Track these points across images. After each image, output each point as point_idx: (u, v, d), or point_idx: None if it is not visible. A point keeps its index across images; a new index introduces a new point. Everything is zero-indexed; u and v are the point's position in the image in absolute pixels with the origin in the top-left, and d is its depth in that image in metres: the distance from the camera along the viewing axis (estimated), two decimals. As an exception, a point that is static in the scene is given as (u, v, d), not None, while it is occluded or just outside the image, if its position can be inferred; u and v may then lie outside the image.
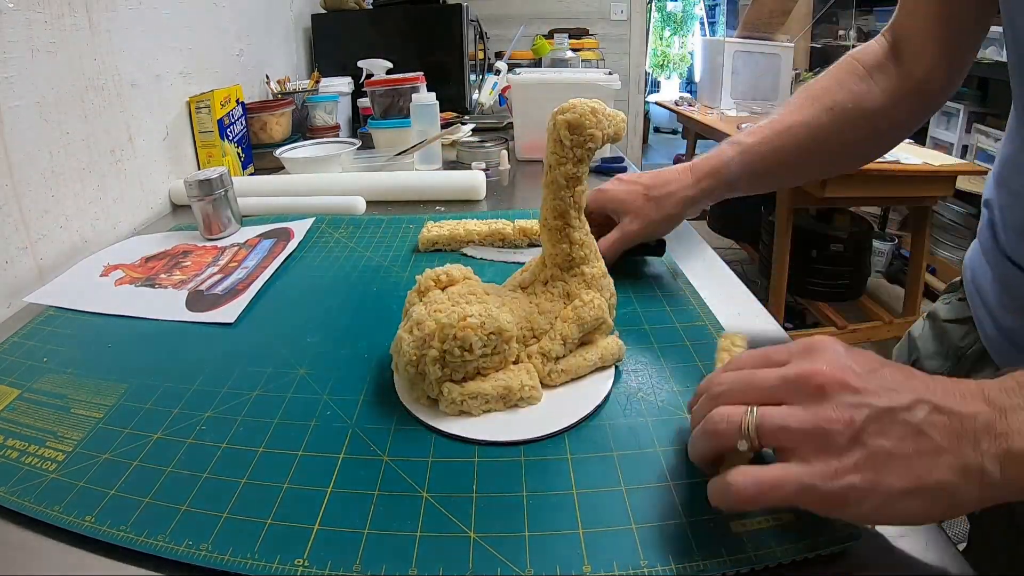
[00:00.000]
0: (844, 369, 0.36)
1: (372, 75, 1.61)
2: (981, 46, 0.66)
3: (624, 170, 1.26)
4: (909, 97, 0.66)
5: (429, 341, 0.50)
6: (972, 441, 0.33)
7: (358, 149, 1.33)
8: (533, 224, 0.84)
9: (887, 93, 0.66)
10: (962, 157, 2.90)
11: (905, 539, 0.39)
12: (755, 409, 0.37)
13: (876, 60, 0.67)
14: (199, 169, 1.24)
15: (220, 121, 1.22)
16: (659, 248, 0.78)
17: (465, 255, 0.84)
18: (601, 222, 0.75)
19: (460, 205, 1.08)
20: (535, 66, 2.74)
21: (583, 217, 0.58)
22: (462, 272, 0.58)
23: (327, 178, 1.14)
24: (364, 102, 1.71)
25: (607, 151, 1.34)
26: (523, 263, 0.69)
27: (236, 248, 0.88)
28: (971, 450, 0.33)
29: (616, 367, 0.56)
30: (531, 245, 0.84)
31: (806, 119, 0.68)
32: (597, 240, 0.62)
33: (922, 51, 0.64)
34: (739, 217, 3.25)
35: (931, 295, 2.71)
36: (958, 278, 0.74)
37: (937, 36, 0.63)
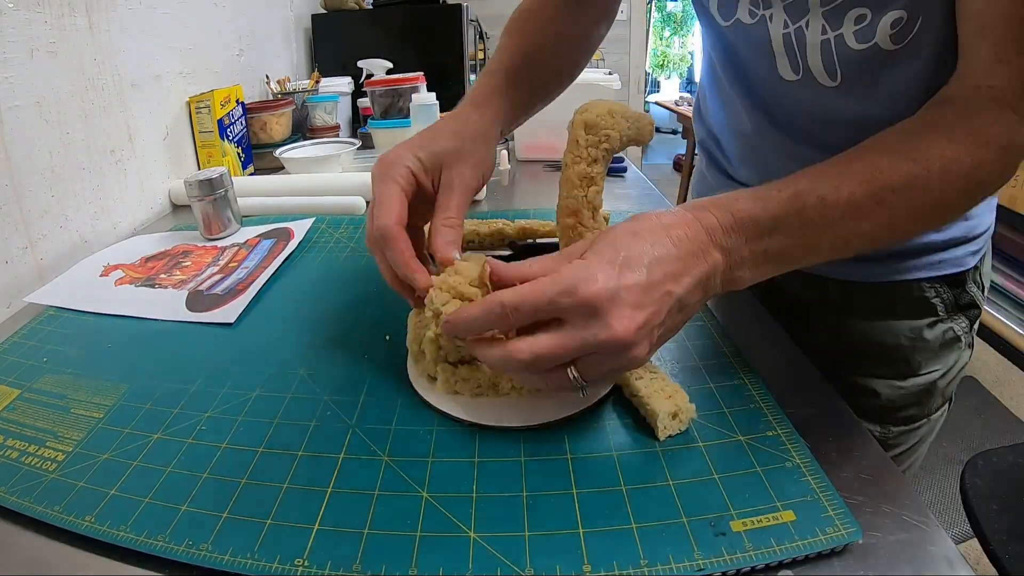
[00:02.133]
0: (634, 311, 0.42)
1: (372, 75, 1.61)
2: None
3: (624, 170, 1.26)
4: (596, 13, 0.79)
5: (427, 323, 0.51)
6: (715, 285, 0.46)
7: (358, 149, 1.33)
8: (533, 224, 0.84)
9: (579, 10, 0.76)
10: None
11: (907, 537, 0.39)
12: (573, 372, 0.44)
13: None
14: (199, 169, 1.24)
15: (220, 121, 1.22)
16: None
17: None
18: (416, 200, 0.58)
19: (460, 205, 1.07)
20: (535, 66, 2.74)
21: (599, 217, 0.58)
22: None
23: (327, 178, 1.13)
24: (364, 102, 1.71)
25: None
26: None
27: (236, 248, 0.88)
28: (714, 288, 0.47)
29: None
30: (528, 248, 0.84)
31: (538, 42, 0.74)
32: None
33: None
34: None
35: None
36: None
37: None
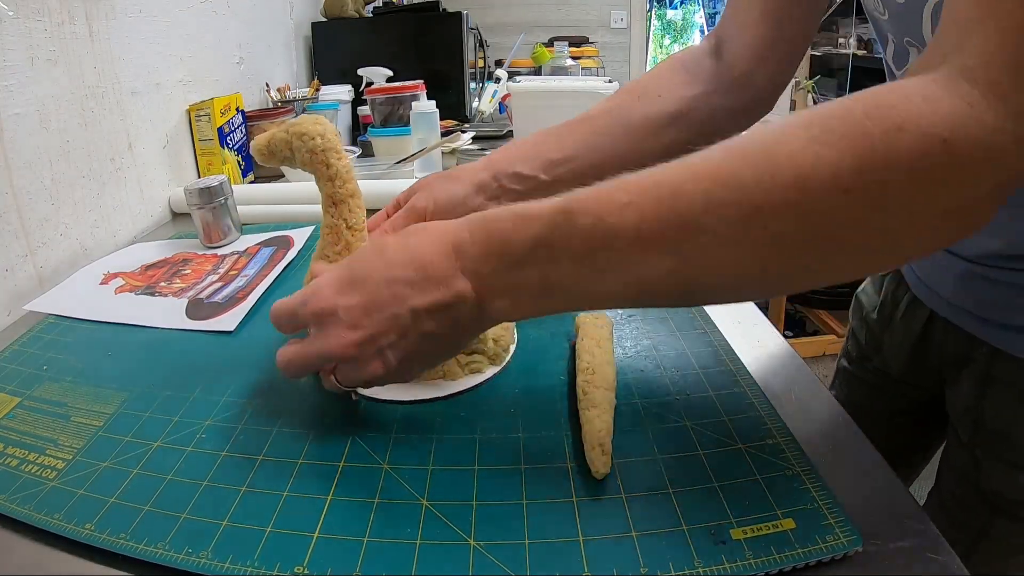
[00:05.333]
0: (350, 331, 0.44)
1: (372, 83, 1.62)
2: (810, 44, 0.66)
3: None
4: (728, 91, 0.66)
5: None
6: (463, 315, 0.44)
7: (358, 157, 1.34)
8: None
9: (704, 84, 0.66)
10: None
11: (907, 545, 0.39)
12: (334, 378, 0.47)
13: (696, 57, 0.68)
14: (199, 177, 1.25)
15: (220, 129, 1.22)
16: None
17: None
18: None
19: (460, 212, 1.07)
20: (535, 74, 2.75)
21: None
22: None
23: (327, 186, 1.13)
24: (364, 110, 1.71)
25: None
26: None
27: (236, 256, 0.89)
28: (466, 321, 0.44)
29: (617, 375, 0.56)
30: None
31: (610, 106, 0.67)
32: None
33: (743, 47, 0.65)
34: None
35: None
36: None
37: (759, 33, 0.64)
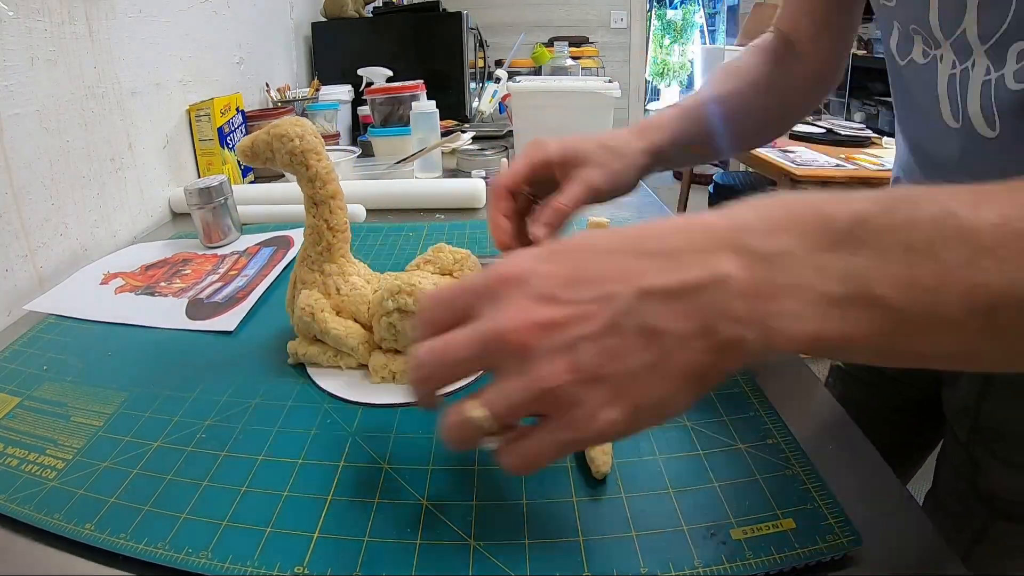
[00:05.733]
0: (538, 304, 0.30)
1: (372, 83, 1.62)
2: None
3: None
4: (808, 81, 0.71)
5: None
6: (721, 314, 0.28)
7: (358, 157, 1.33)
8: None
9: (791, 76, 0.70)
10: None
11: (907, 545, 0.39)
12: (477, 409, 0.31)
13: (776, 50, 0.71)
14: (199, 177, 1.25)
15: (220, 129, 1.22)
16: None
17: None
18: (542, 180, 0.57)
19: (460, 213, 1.08)
20: (535, 74, 2.75)
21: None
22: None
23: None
24: (364, 110, 1.71)
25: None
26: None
27: (236, 256, 0.89)
28: (725, 324, 0.28)
29: None
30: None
31: (734, 89, 0.69)
32: (545, 199, 0.56)
33: (812, 42, 0.69)
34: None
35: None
36: None
37: (819, 32, 0.69)
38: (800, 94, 0.72)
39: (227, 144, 1.25)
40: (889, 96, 0.68)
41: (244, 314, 0.71)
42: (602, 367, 0.29)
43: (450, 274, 0.61)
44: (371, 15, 2.02)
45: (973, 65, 0.50)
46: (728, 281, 0.28)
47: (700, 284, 0.29)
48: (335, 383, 0.57)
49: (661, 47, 7.47)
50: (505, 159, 1.32)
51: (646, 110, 4.93)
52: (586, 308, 0.29)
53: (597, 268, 0.30)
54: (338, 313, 0.59)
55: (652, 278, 0.29)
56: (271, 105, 1.58)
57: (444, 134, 1.40)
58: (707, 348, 0.29)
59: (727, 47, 3.44)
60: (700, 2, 7.25)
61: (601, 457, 0.44)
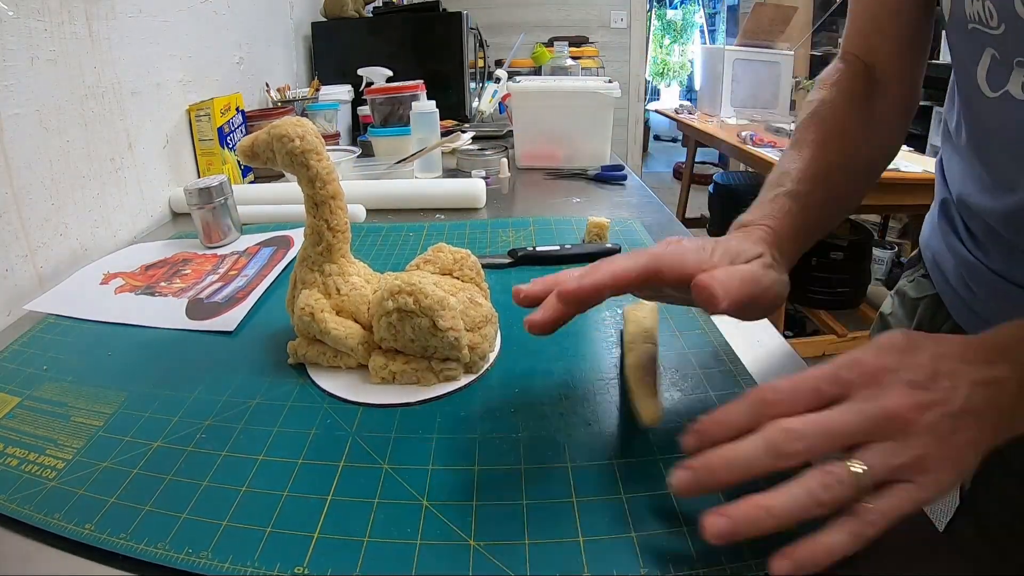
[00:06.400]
0: (915, 390, 0.37)
1: (372, 83, 1.62)
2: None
3: (624, 178, 1.26)
4: (894, 111, 0.64)
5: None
6: (996, 391, 0.37)
7: (358, 157, 1.33)
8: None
9: (877, 112, 0.63)
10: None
11: (909, 546, 0.39)
12: (861, 467, 0.35)
13: (854, 79, 0.64)
14: (199, 177, 1.25)
15: (220, 129, 1.23)
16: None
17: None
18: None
19: (460, 213, 1.08)
20: (535, 74, 2.76)
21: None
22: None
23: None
24: (364, 110, 1.71)
25: (607, 158, 1.35)
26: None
27: (236, 256, 0.89)
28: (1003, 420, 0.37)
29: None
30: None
31: (837, 161, 0.59)
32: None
33: (892, 68, 0.63)
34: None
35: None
36: (916, 251, 0.76)
37: (902, 52, 0.63)
38: (891, 132, 0.64)
39: (227, 144, 1.25)
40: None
41: (244, 314, 0.71)
42: (947, 432, 0.36)
43: (450, 274, 0.62)
44: (371, 15, 2.02)
45: None
46: (1002, 381, 0.37)
47: (992, 379, 0.37)
48: (335, 383, 0.57)
49: (661, 47, 7.48)
50: (505, 159, 1.32)
51: (646, 110, 4.93)
52: (944, 395, 0.37)
53: (947, 365, 0.38)
54: (338, 313, 0.59)
55: (975, 374, 0.37)
56: (271, 105, 1.58)
57: (444, 134, 1.40)
58: (990, 421, 0.37)
59: (727, 47, 3.43)
60: (700, 2, 7.26)
61: (644, 400, 0.48)
